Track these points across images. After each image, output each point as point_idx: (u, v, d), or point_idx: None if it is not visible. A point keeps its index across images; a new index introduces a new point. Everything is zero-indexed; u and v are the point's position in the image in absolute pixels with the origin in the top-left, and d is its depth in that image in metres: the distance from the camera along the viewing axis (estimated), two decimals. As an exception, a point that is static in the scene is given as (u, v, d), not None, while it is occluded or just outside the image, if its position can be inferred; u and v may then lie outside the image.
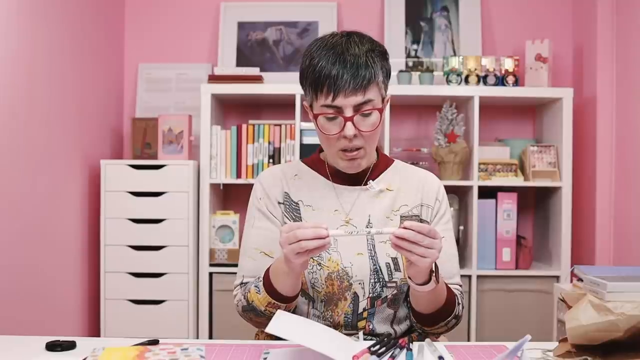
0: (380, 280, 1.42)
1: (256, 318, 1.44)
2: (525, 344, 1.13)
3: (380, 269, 1.42)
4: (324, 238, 1.22)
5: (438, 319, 1.42)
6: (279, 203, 1.50)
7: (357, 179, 1.49)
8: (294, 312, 1.45)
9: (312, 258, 1.42)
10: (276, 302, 1.37)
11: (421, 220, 1.48)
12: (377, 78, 1.37)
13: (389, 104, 1.51)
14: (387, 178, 1.51)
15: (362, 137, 1.38)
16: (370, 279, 1.42)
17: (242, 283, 1.50)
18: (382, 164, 1.53)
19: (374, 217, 1.46)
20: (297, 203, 1.49)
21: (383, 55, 1.41)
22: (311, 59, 1.38)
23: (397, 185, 1.50)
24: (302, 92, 1.44)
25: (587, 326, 1.16)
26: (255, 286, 1.41)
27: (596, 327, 1.15)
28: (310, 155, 1.58)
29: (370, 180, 1.49)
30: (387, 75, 1.43)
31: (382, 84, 1.40)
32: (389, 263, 1.42)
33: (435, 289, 1.33)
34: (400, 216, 1.47)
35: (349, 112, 1.35)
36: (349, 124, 1.35)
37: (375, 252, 1.43)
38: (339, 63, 1.34)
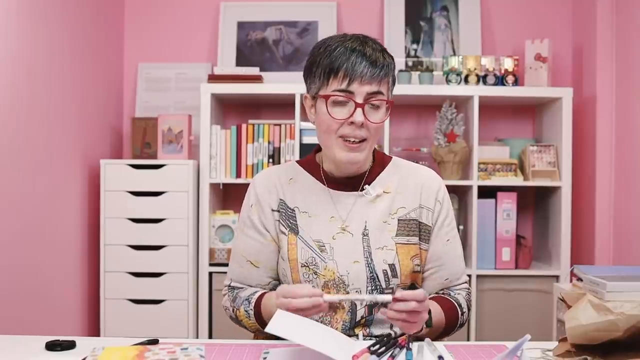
0: (378, 287, 1.42)
1: (245, 329, 1.49)
2: (525, 343, 1.13)
3: (377, 277, 1.42)
4: (320, 305, 1.25)
5: (442, 336, 1.45)
6: (273, 210, 1.49)
7: (353, 184, 1.47)
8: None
9: (307, 267, 1.43)
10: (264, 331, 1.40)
11: (420, 224, 1.47)
12: (389, 76, 1.40)
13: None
14: (384, 180, 1.49)
15: (367, 129, 1.38)
16: (367, 286, 1.41)
17: (230, 286, 1.53)
18: (378, 166, 1.51)
19: (371, 222, 1.45)
20: (293, 210, 1.48)
21: (393, 62, 1.43)
22: (326, 47, 1.39)
23: (395, 186, 1.48)
24: (302, 91, 1.44)
25: (586, 326, 1.16)
26: (246, 311, 1.44)
27: (596, 326, 1.15)
28: (306, 156, 1.57)
29: (367, 186, 1.47)
30: (394, 83, 1.44)
31: (390, 86, 1.42)
32: (385, 270, 1.42)
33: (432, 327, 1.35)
34: (398, 219, 1.45)
35: (360, 100, 1.36)
36: (359, 110, 1.35)
37: (371, 260, 1.42)
38: (358, 52, 1.36)
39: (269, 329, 1.16)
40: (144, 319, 2.77)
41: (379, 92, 1.37)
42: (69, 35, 2.60)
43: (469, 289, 1.52)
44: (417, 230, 1.46)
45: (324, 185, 1.48)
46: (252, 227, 1.50)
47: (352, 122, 1.36)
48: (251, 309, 1.43)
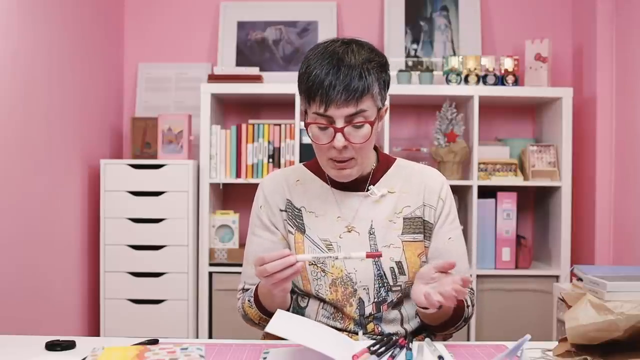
0: (385, 285, 1.43)
1: (256, 327, 1.50)
2: (525, 343, 1.13)
3: (385, 274, 1.42)
4: (293, 265, 1.24)
5: (446, 327, 1.45)
6: (281, 210, 1.50)
7: (359, 185, 1.48)
8: (305, 308, 1.47)
9: (315, 265, 1.43)
10: (267, 318, 1.40)
11: (424, 222, 1.48)
12: (371, 90, 1.34)
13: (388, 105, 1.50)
14: (388, 181, 1.50)
15: (352, 149, 1.37)
16: (374, 284, 1.42)
17: (243, 289, 1.54)
18: (382, 166, 1.52)
19: (377, 222, 1.46)
20: (299, 209, 1.49)
21: (381, 66, 1.38)
22: (307, 66, 1.36)
23: (399, 187, 1.49)
24: None
25: (586, 326, 1.16)
26: (249, 300, 1.47)
27: (596, 326, 1.15)
28: (312, 157, 1.56)
29: (371, 186, 1.48)
30: (385, 86, 1.40)
31: (377, 95, 1.37)
32: (393, 267, 1.43)
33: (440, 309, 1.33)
34: (403, 218, 1.47)
35: (340, 123, 1.34)
36: (339, 135, 1.34)
37: (378, 258, 1.43)
38: (332, 74, 1.32)
39: (268, 329, 1.16)
40: (144, 319, 2.77)
41: (359, 112, 1.34)
42: (69, 35, 2.60)
43: (472, 289, 1.52)
44: (422, 227, 1.48)
45: (330, 186, 1.50)
46: (262, 226, 1.51)
47: (334, 147, 1.36)
48: (252, 297, 1.46)
